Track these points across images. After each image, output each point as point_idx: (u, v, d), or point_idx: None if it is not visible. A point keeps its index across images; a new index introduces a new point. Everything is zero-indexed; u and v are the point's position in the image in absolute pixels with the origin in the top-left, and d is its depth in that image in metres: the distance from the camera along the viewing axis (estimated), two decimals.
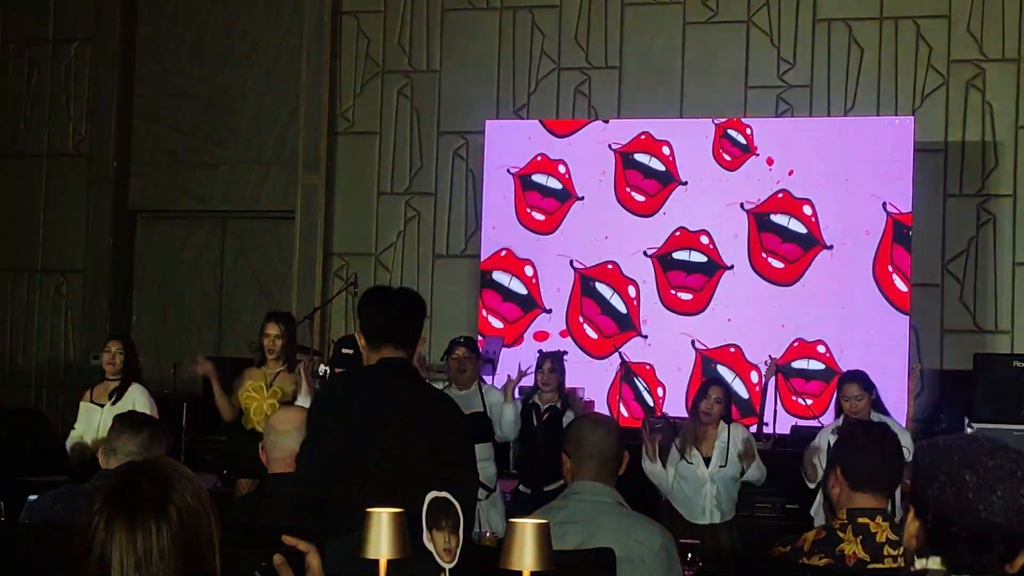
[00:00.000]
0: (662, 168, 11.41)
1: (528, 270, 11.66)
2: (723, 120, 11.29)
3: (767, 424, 9.99)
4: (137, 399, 7.92)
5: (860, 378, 7.25)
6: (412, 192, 12.54)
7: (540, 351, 8.74)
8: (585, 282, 11.52)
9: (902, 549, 3.57)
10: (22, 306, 13.53)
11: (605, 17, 12.13)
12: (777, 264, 11.10)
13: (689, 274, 11.31)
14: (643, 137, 11.46)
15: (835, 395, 7.44)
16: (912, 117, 11.14)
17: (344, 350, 8.47)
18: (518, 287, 11.70)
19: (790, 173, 11.13)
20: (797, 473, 7.75)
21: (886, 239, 10.80)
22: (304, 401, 7.16)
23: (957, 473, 2.23)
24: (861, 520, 3.62)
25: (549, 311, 11.58)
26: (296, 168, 12.75)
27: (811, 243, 11.04)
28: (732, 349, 11.15)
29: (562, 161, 11.63)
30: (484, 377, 10.39)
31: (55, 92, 13.57)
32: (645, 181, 11.46)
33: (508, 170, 11.71)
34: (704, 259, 11.26)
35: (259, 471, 4.93)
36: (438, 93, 12.53)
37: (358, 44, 12.75)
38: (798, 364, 10.85)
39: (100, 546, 2.06)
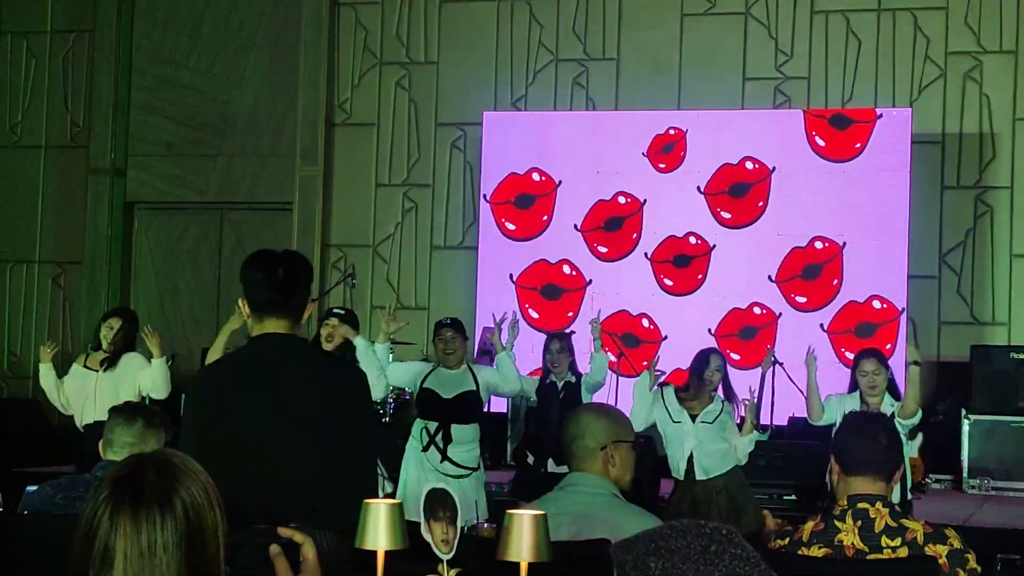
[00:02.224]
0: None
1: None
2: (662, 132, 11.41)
3: (765, 426, 9.98)
4: (131, 364, 7.96)
5: (877, 354, 7.27)
6: (410, 184, 12.54)
7: (548, 332, 8.74)
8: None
9: (900, 539, 3.59)
10: (20, 297, 13.54)
11: (603, 9, 12.14)
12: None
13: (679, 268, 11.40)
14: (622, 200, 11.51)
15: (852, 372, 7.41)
16: (910, 109, 11.15)
17: None
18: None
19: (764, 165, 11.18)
20: (795, 465, 7.77)
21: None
22: None
23: (642, 563, 2.10)
24: (861, 506, 3.66)
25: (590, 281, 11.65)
26: (294, 160, 12.75)
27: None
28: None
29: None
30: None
31: (53, 83, 13.57)
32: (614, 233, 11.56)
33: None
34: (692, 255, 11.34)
35: None
36: (436, 85, 12.53)
37: (356, 35, 12.75)
38: None
39: (104, 536, 2.06)
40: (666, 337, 11.27)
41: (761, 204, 11.23)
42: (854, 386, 7.25)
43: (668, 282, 11.42)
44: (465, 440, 7.63)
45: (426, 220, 12.47)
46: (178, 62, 13.29)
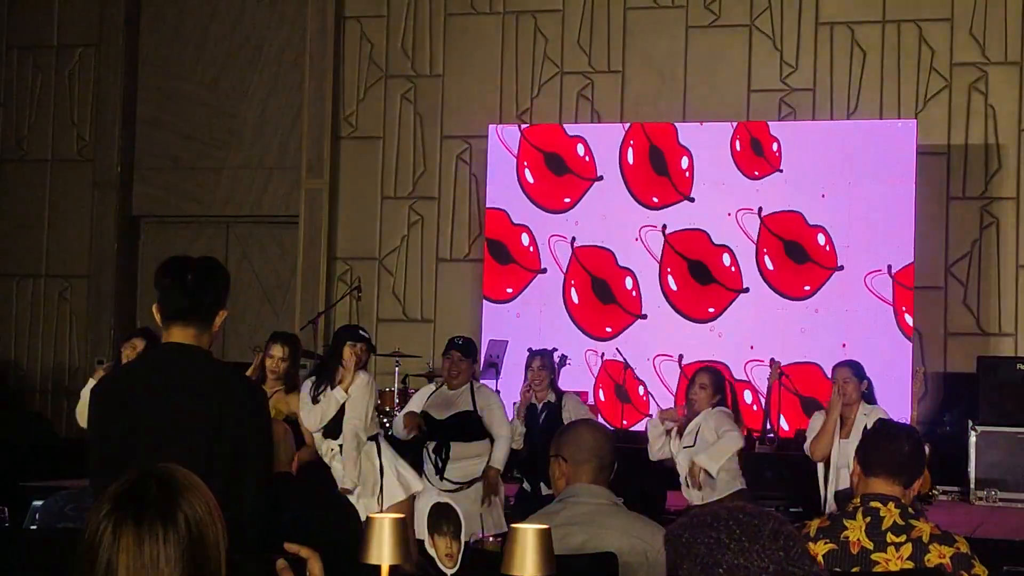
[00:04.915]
0: (674, 173, 11.46)
1: (524, 237, 11.76)
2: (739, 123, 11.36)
3: (771, 433, 9.98)
4: None
5: (852, 364, 7.46)
6: (416, 196, 12.55)
7: (529, 349, 8.75)
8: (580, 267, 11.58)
9: (905, 536, 3.61)
10: (27, 311, 13.54)
11: (608, 21, 12.14)
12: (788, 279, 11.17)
13: (704, 285, 11.33)
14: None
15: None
16: (915, 120, 11.14)
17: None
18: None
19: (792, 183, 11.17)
20: (800, 475, 7.76)
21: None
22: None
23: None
24: (873, 504, 3.74)
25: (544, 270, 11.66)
26: (300, 173, 12.77)
27: (824, 265, 11.05)
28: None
29: (580, 139, 11.71)
30: (488, 381, 10.40)
31: (59, 98, 13.59)
32: (657, 178, 11.52)
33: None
34: (721, 280, 11.29)
35: None
36: (441, 98, 12.54)
37: (361, 49, 12.76)
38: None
39: (107, 551, 2.06)
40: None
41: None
42: None
43: (674, 287, 11.44)
44: (464, 456, 7.84)
45: (432, 233, 12.47)
46: (184, 76, 13.31)
